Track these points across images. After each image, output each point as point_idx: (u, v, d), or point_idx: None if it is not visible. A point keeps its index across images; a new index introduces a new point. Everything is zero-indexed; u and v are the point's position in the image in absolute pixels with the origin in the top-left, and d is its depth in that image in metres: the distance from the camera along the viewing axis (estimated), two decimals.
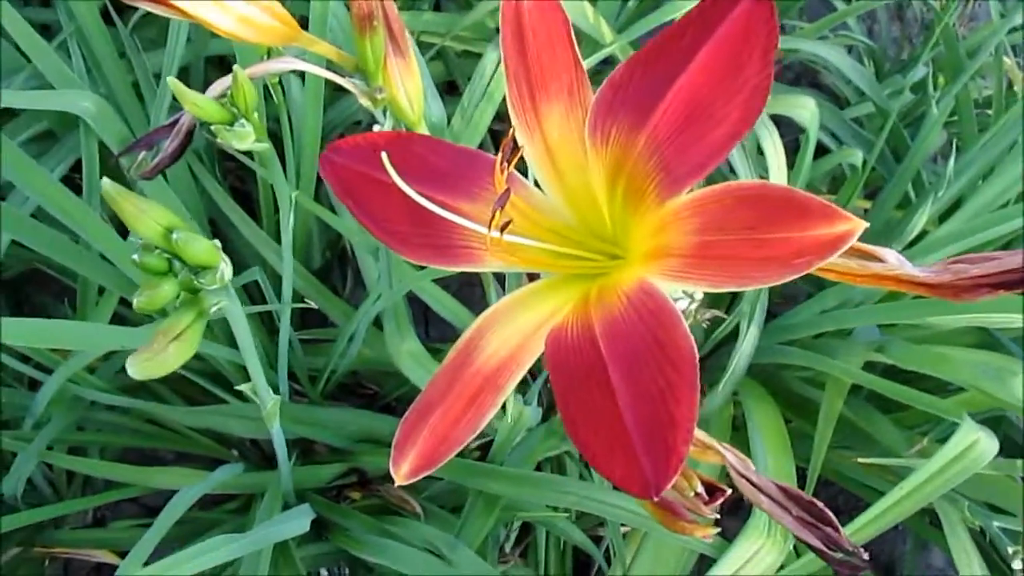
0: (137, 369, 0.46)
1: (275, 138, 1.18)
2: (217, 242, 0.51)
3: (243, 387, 0.77)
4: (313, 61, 0.88)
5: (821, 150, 1.77)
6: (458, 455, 1.37)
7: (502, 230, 0.57)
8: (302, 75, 1.32)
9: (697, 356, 0.49)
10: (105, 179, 0.47)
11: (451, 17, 1.68)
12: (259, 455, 1.47)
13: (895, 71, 2.14)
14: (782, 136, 2.07)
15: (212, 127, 0.71)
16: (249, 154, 1.14)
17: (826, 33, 2.03)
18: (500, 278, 0.85)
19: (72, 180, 1.27)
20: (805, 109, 1.31)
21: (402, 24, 0.81)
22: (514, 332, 0.59)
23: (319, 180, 1.39)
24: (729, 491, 0.74)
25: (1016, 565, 0.92)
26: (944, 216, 1.56)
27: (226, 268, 0.51)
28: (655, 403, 0.48)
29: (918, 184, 1.68)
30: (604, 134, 0.58)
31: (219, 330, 1.40)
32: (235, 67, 0.68)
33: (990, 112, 1.80)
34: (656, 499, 0.75)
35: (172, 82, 0.66)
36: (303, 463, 1.42)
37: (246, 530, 1.02)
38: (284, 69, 0.81)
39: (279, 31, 0.79)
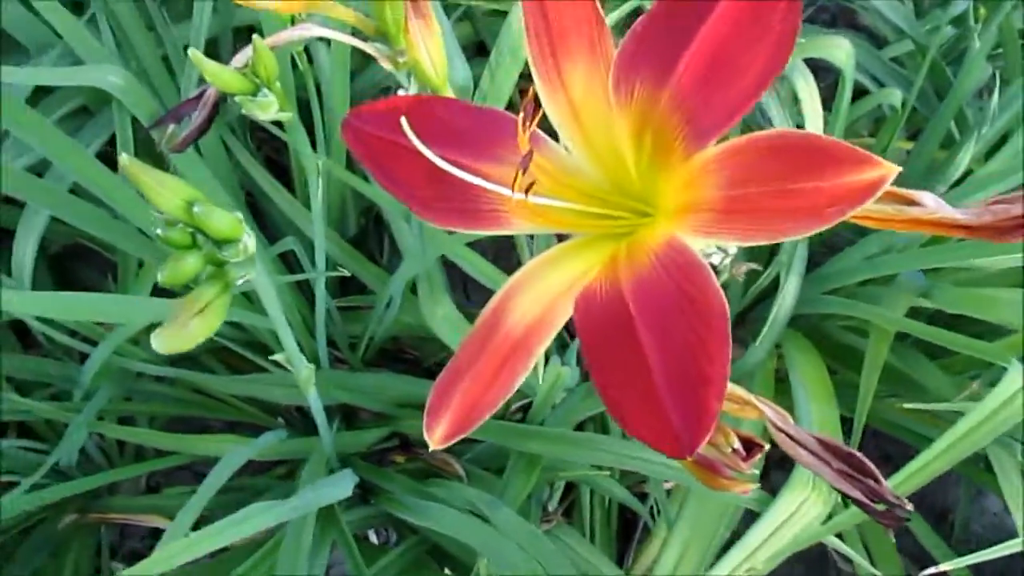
0: (161, 343, 0.47)
1: (306, 107, 1.19)
2: (239, 214, 0.51)
3: (277, 356, 0.78)
4: (337, 28, 0.87)
5: (862, 92, 1.72)
6: (498, 417, 1.39)
7: (527, 191, 0.56)
8: (329, 43, 1.31)
9: (728, 311, 0.48)
10: (123, 154, 0.47)
11: None
12: (304, 422, 1.49)
13: (935, 6, 2.06)
14: (820, 80, 2.02)
15: (236, 98, 0.70)
16: (280, 124, 1.14)
17: None
18: (533, 240, 0.84)
19: (108, 155, 1.29)
20: (840, 50, 1.27)
21: None
22: (542, 294, 0.59)
23: None
24: (767, 446, 0.74)
25: None
26: (990, 154, 1.50)
27: (250, 240, 0.51)
28: (686, 361, 0.48)
29: (962, 122, 1.63)
30: (628, 89, 0.57)
31: (259, 300, 1.42)
32: (254, 36, 0.67)
33: None
34: (692, 457, 0.75)
35: (193, 54, 0.66)
36: (346, 428, 1.45)
37: (292, 495, 1.04)
38: (305, 36, 0.80)
39: None
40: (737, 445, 0.72)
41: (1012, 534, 1.07)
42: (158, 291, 1.33)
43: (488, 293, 1.42)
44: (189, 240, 0.49)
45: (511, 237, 0.97)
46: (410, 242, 1.20)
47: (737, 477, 0.73)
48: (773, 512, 1.04)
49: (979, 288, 1.26)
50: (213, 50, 1.51)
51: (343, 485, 1.03)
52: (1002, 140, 1.51)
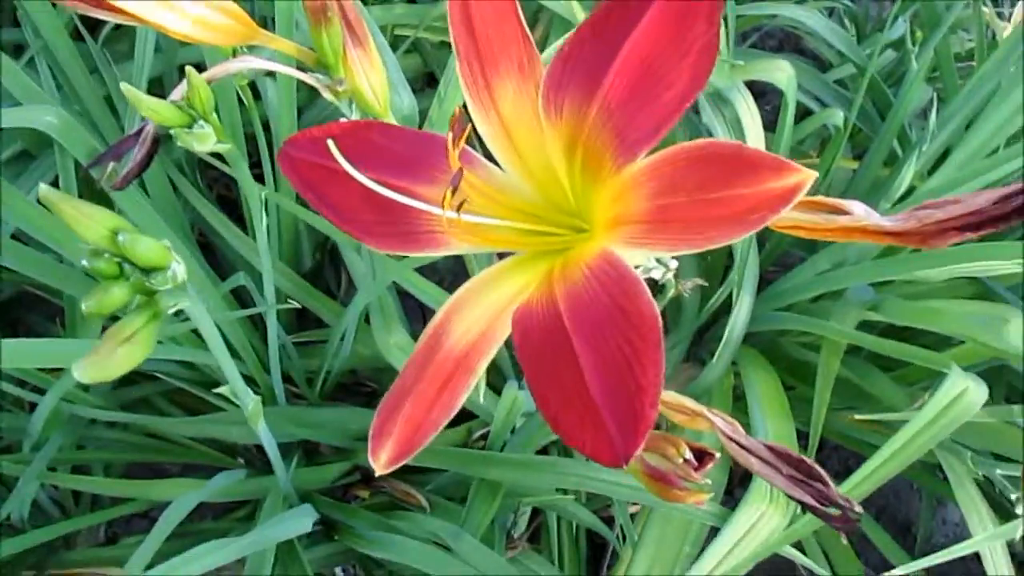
0: (83, 373, 0.46)
1: (255, 141, 1.19)
2: (166, 241, 0.51)
3: (221, 389, 0.77)
4: (280, 60, 0.87)
5: (808, 113, 1.76)
6: (459, 444, 1.37)
7: (458, 209, 0.57)
8: (275, 76, 1.31)
9: (660, 322, 0.49)
10: (42, 185, 0.47)
11: (423, 8, 1.68)
12: (263, 460, 1.47)
13: (876, 30, 2.12)
14: (769, 102, 2.06)
15: (171, 131, 0.70)
16: (226, 161, 1.14)
17: None
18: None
19: None
20: (781, 72, 1.30)
21: (358, 14, 0.81)
22: (482, 313, 0.59)
23: None
24: (718, 455, 0.74)
25: (1019, 511, 0.92)
26: (932, 169, 1.54)
27: (179, 268, 0.51)
28: (620, 371, 0.48)
29: (904, 140, 1.67)
30: (557, 107, 0.58)
31: None
32: (187, 68, 0.67)
33: (974, 64, 1.78)
34: (645, 469, 0.75)
35: (126, 89, 0.66)
36: (307, 464, 1.43)
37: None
38: (243, 68, 0.80)
39: (236, 30, 0.79)
40: (689, 455, 0.72)
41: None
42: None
43: None
44: (116, 270, 0.48)
45: (465, 264, 0.98)
46: (362, 272, 1.19)
47: (691, 488, 0.73)
48: (733, 525, 1.04)
49: (926, 300, 1.28)
50: (158, 89, 1.50)
51: (301, 520, 1.01)
52: (943, 156, 1.55)
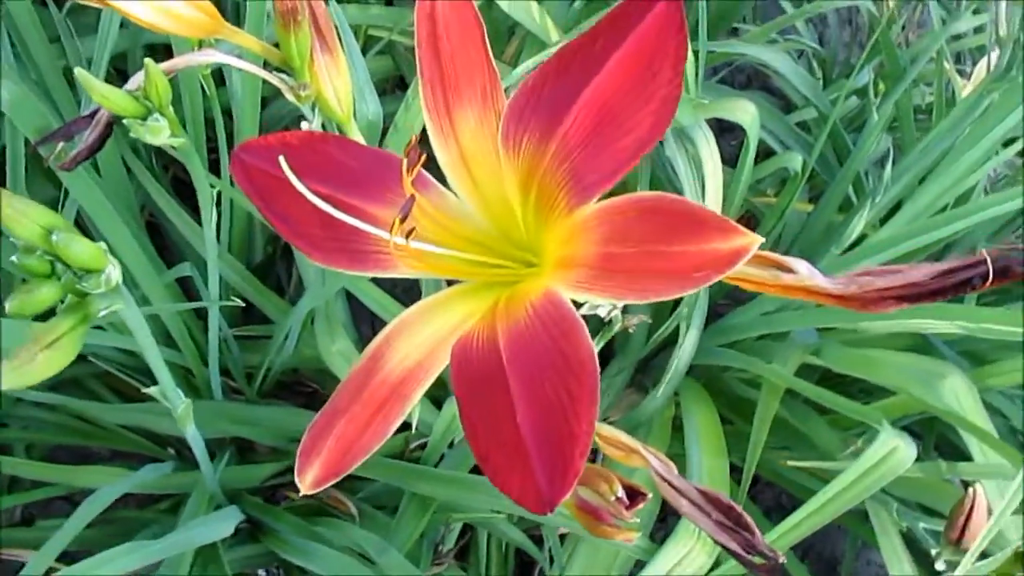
0: (3, 380, 0.44)
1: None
2: (103, 244, 0.49)
3: (151, 390, 0.75)
4: (245, 56, 0.86)
5: (771, 153, 1.78)
6: (394, 456, 1.36)
7: (407, 236, 0.56)
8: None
9: (598, 369, 0.49)
10: None
11: (399, 11, 1.66)
12: (194, 455, 1.44)
13: (843, 76, 2.16)
14: (733, 138, 2.08)
15: (125, 121, 0.69)
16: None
17: (776, 37, 2.05)
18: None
19: None
20: (746, 113, 1.31)
21: (329, 20, 0.80)
22: (422, 341, 0.58)
23: None
24: (650, 496, 0.75)
25: (939, 566, 0.93)
26: (885, 219, 1.57)
27: (114, 271, 0.49)
28: (554, 415, 0.48)
29: (859, 188, 1.70)
30: (516, 140, 0.57)
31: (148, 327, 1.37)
32: (146, 60, 0.66)
33: (932, 119, 1.83)
34: (576, 503, 0.75)
35: (80, 73, 0.64)
36: (241, 462, 1.40)
37: (174, 531, 1.00)
38: (205, 62, 0.79)
39: (201, 22, 0.77)
40: (621, 493, 0.73)
41: None
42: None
43: None
44: (48, 269, 0.46)
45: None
46: (313, 272, 1.18)
47: (621, 525, 0.73)
48: (659, 561, 1.04)
49: (866, 349, 1.30)
50: (122, 64, 1.47)
51: (223, 524, 0.99)
52: (895, 207, 1.59)
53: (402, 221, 0.55)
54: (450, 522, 1.31)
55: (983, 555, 0.87)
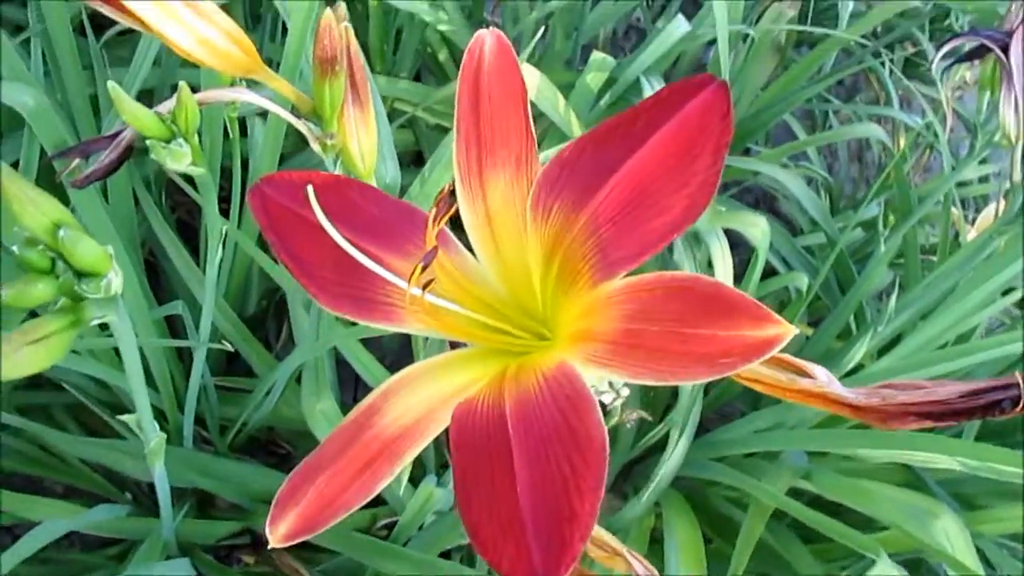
0: None
1: (229, 176, 1.16)
2: (110, 248, 0.47)
3: (126, 417, 0.72)
4: (275, 100, 0.86)
5: (773, 273, 1.79)
6: (361, 530, 1.30)
7: (424, 288, 0.54)
8: (265, 117, 1.30)
9: (608, 449, 0.46)
10: None
11: (427, 89, 1.69)
12: (151, 500, 1.38)
13: (849, 208, 2.20)
14: (736, 255, 2.10)
15: (148, 142, 0.67)
16: (195, 185, 1.11)
17: (787, 163, 2.09)
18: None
19: None
20: (756, 227, 1.32)
21: (365, 75, 0.80)
22: (422, 399, 0.56)
23: None
24: None
25: None
26: (882, 352, 1.57)
27: (116, 279, 0.47)
28: (557, 492, 0.45)
29: (860, 318, 1.70)
30: (546, 209, 0.56)
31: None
32: (181, 83, 0.65)
33: (935, 258, 1.84)
34: None
35: (112, 87, 0.63)
36: (198, 516, 1.35)
37: None
38: (236, 99, 0.79)
39: (238, 60, 0.77)
40: None
41: None
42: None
43: None
44: (48, 264, 0.44)
45: (412, 348, 0.96)
46: (305, 330, 1.15)
47: None
48: None
49: (860, 479, 1.27)
50: (147, 101, 1.47)
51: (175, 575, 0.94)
52: (895, 341, 1.58)
53: (423, 271, 0.54)
54: None
55: None
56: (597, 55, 1.44)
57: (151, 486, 1.40)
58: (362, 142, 0.81)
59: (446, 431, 0.53)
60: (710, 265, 1.38)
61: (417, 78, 1.84)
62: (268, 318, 1.67)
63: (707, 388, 1.53)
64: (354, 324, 1.16)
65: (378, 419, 0.55)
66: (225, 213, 1.34)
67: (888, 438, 1.11)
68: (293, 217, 0.60)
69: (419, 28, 1.63)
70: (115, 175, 1.27)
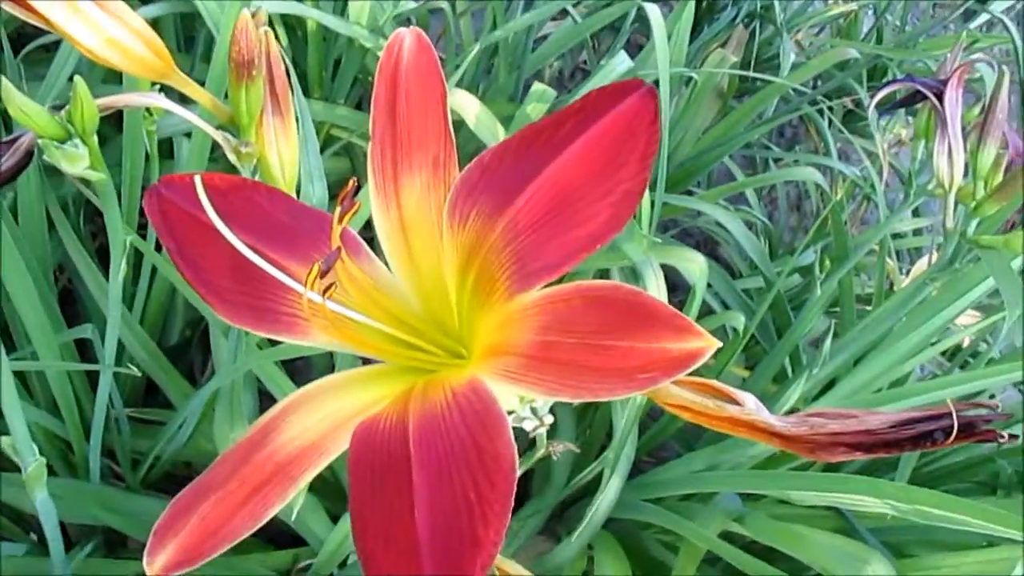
0: None
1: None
2: None
3: (2, 440, 0.66)
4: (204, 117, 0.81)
5: (710, 312, 1.78)
6: (281, 571, 1.23)
7: (324, 292, 0.50)
8: (191, 135, 1.25)
9: (516, 472, 0.42)
10: None
11: (365, 116, 1.66)
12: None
13: (786, 253, 2.22)
14: (674, 297, 2.09)
15: (40, 142, 0.63)
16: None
17: (727, 205, 2.10)
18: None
19: None
20: (694, 263, 1.30)
21: (285, 84, 0.77)
22: (323, 418, 0.51)
23: None
24: None
25: None
26: (817, 396, 1.56)
27: None
28: (460, 516, 0.41)
29: (796, 361, 1.70)
30: (463, 215, 0.53)
31: (37, 393, 1.26)
32: (76, 78, 0.61)
33: (870, 308, 1.86)
34: None
35: (0, 80, 0.59)
36: (106, 555, 1.26)
37: None
38: (143, 103, 0.74)
39: (151, 64, 0.73)
40: None
41: None
42: None
43: None
44: None
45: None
46: (224, 355, 1.10)
47: None
48: None
49: (793, 523, 1.25)
50: None
51: None
52: (829, 385, 1.58)
53: (322, 276, 0.49)
54: None
55: None
56: (538, 86, 1.43)
57: (60, 525, 1.31)
58: (282, 153, 0.77)
59: None
60: None
61: (358, 107, 1.81)
62: (192, 349, 1.60)
63: (642, 428, 1.51)
64: (273, 345, 1.11)
65: (273, 438, 0.51)
66: (144, 232, 1.28)
67: (822, 480, 1.10)
68: (191, 221, 0.56)
69: (359, 54, 1.60)
70: (28, 195, 1.22)
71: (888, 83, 1.25)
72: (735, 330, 1.57)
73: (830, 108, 2.27)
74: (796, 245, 2.47)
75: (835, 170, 2.34)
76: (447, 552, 0.40)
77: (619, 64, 1.43)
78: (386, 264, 0.58)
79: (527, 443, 0.70)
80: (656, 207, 1.51)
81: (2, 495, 1.20)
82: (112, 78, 1.36)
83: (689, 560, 1.18)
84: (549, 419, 0.64)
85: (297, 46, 1.70)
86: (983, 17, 2.89)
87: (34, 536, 1.32)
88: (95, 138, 0.64)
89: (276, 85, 0.75)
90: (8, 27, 1.26)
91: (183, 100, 0.81)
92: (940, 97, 1.22)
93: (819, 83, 2.48)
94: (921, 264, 2.02)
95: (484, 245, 0.51)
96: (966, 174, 1.26)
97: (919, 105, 1.36)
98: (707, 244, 2.46)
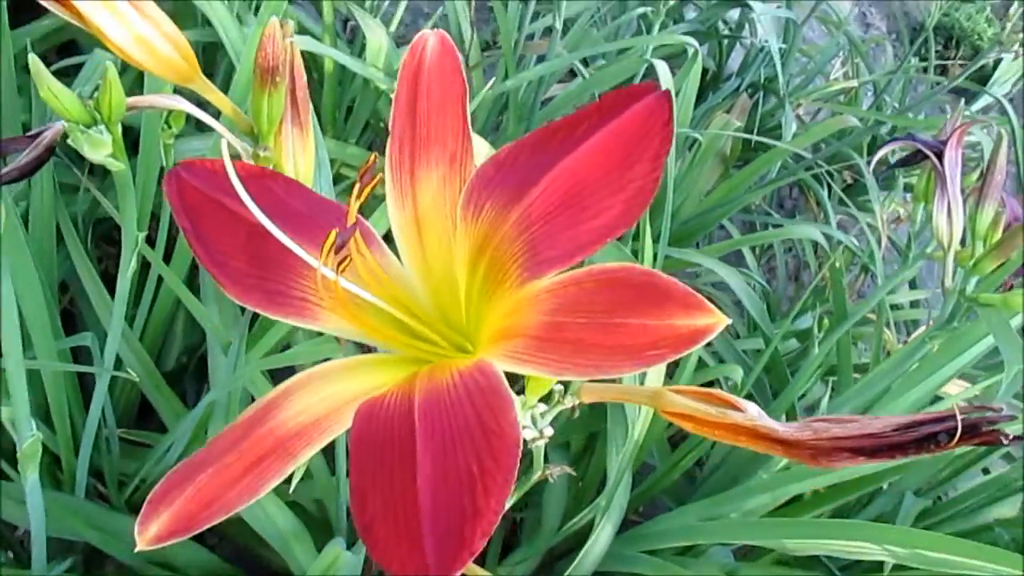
0: None
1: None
2: None
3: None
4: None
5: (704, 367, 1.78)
6: None
7: (339, 267, 0.51)
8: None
9: (520, 448, 0.42)
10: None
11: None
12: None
13: (783, 317, 2.22)
14: None
15: (66, 126, 0.64)
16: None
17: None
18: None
19: None
20: None
21: (306, 95, 0.78)
22: (325, 397, 0.51)
23: (196, 266, 1.31)
24: None
25: None
26: None
27: None
28: (460, 489, 0.41)
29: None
30: (477, 207, 0.54)
31: (31, 402, 1.25)
32: (107, 64, 0.62)
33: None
34: None
35: (32, 60, 0.60)
36: (83, 574, 1.24)
37: None
38: (169, 106, 0.76)
39: (176, 66, 0.75)
40: None
41: None
42: None
43: None
44: None
45: None
46: (221, 373, 1.09)
47: None
48: None
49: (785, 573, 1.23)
50: None
51: None
52: None
53: (338, 251, 0.50)
54: None
55: None
56: None
57: None
58: (298, 162, 0.79)
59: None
60: None
61: (369, 148, 1.84)
62: (187, 377, 1.59)
63: (634, 482, 1.49)
64: (266, 356, 1.10)
65: (276, 415, 0.51)
66: (151, 243, 1.29)
67: (814, 527, 1.08)
68: (208, 203, 0.57)
69: (373, 96, 1.63)
70: (40, 207, 1.23)
71: (890, 141, 1.28)
72: (734, 382, 1.56)
73: (830, 181, 2.31)
74: (792, 313, 2.49)
75: (834, 241, 2.37)
76: (447, 521, 0.39)
77: None
78: (398, 258, 0.59)
79: (525, 463, 0.69)
80: (659, 260, 1.53)
81: None
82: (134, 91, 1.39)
83: None
84: (549, 431, 0.64)
85: (312, 87, 1.74)
86: (981, 102, 2.96)
87: (11, 554, 1.30)
88: (119, 128, 0.66)
89: (298, 94, 0.77)
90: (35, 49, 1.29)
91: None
92: (940, 157, 1.25)
93: (820, 150, 2.53)
94: (918, 334, 2.03)
95: (497, 235, 0.52)
96: (964, 243, 1.27)
97: (918, 171, 1.39)
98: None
